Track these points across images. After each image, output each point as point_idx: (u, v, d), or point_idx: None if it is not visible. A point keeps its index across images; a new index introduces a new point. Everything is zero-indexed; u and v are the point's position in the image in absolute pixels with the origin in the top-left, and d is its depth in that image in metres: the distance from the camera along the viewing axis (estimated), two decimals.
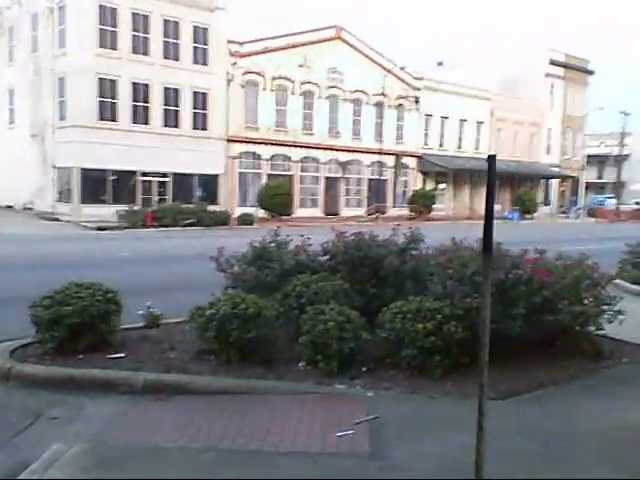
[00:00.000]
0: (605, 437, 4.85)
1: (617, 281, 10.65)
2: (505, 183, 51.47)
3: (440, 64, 58.12)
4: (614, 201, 55.99)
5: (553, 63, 55.18)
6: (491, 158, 3.10)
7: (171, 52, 34.17)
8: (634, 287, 11.61)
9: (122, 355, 6.58)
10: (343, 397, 5.74)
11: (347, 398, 5.72)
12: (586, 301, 6.83)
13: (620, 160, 59.42)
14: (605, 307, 6.91)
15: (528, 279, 6.41)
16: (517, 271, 6.38)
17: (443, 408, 5.55)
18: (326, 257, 7.97)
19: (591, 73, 59.81)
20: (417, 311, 6.21)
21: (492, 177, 3.09)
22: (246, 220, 32.37)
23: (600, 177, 75.89)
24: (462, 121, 48.66)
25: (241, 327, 6.22)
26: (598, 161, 73.79)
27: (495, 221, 3.38)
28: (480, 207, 49.04)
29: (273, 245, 8.11)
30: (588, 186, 65.25)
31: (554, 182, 56.88)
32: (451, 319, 6.16)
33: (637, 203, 59.17)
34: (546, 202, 55.45)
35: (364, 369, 6.27)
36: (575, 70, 57.33)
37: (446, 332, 6.08)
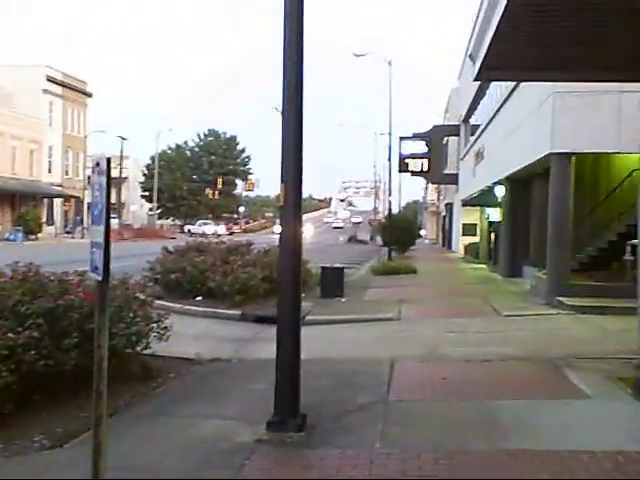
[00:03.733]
0: (184, 459, 4.71)
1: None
2: (4, 202, 47.47)
3: None
4: (117, 221, 58.43)
5: (50, 80, 53.95)
6: (107, 160, 2.52)
7: None
8: (163, 303, 12.10)
9: None
10: None
11: None
12: (137, 320, 6.65)
13: (119, 182, 62.49)
14: (154, 325, 6.91)
15: (80, 304, 5.78)
16: (68, 296, 5.67)
17: None
18: None
19: (89, 95, 61.19)
20: None
21: (108, 185, 2.51)
22: None
23: None
24: None
25: None
26: None
27: None
28: None
29: None
30: (90, 206, 66.51)
31: (58, 201, 55.62)
32: None
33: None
34: (50, 222, 53.66)
35: None
36: (74, 90, 57.58)
37: None
